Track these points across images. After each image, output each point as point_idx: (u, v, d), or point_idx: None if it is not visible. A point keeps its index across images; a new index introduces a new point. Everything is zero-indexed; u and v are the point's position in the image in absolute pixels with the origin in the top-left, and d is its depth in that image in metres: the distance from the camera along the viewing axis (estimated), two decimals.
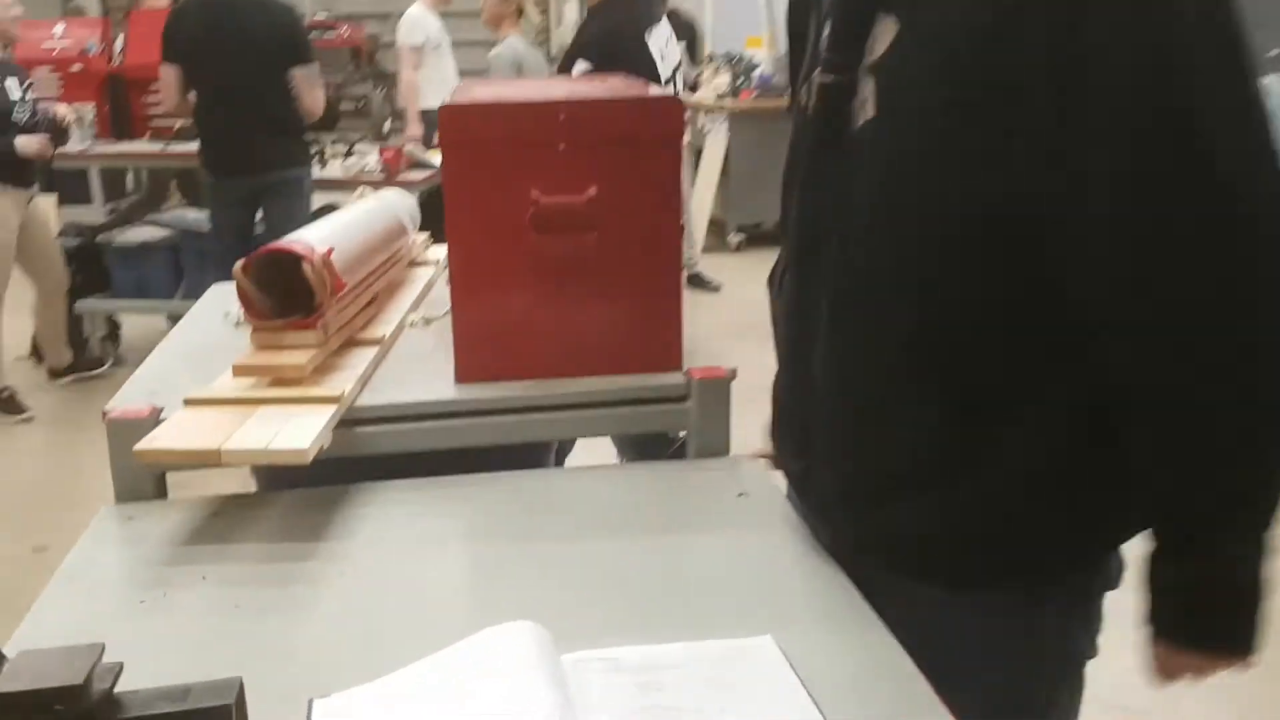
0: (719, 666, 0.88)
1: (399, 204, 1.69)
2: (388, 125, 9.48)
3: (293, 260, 1.24)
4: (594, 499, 1.21)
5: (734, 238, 6.28)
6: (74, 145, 4.57)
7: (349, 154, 4.77)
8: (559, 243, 1.23)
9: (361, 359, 1.32)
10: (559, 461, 1.65)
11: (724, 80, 6.58)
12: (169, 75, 3.91)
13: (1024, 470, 0.98)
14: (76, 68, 5.20)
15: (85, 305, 4.49)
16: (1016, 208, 0.92)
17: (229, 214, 4.00)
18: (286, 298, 1.27)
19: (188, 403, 1.18)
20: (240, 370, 1.21)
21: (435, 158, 4.03)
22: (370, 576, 1.05)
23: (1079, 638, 1.06)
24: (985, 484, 0.98)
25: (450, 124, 1.23)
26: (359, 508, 1.19)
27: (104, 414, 1.21)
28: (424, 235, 1.78)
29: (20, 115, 3.92)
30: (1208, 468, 0.92)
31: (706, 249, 5.93)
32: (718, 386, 1.30)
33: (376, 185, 1.93)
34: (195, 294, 1.84)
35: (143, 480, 1.19)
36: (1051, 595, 1.03)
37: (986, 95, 0.90)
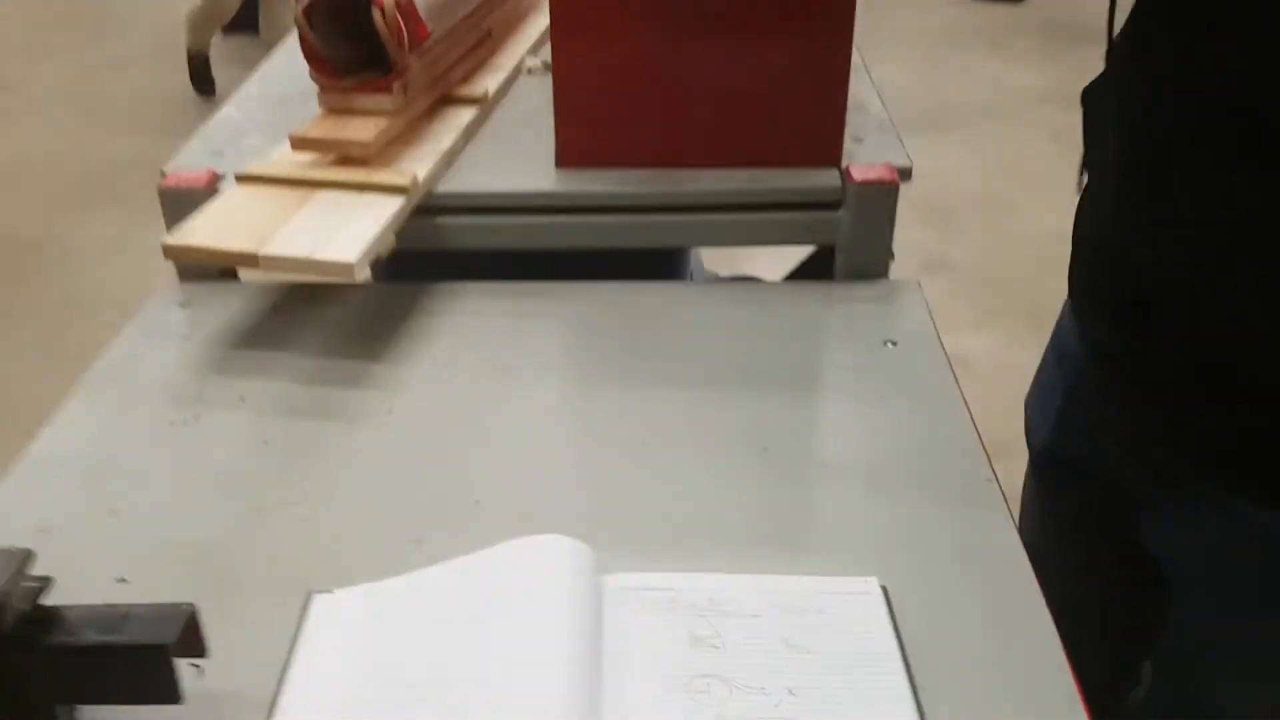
0: (798, 618, 0.68)
1: None
2: None
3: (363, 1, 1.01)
4: (703, 330, 1.00)
5: None
6: None
7: None
8: None
9: (453, 124, 1.10)
10: None
11: None
12: None
13: None
14: None
15: None
16: None
17: None
18: (363, 46, 1.05)
19: (239, 179, 1.01)
20: (298, 144, 1.01)
21: None
22: (418, 423, 0.88)
23: None
24: None
25: None
26: (434, 317, 1.01)
27: (161, 175, 1.06)
28: None
29: None
30: None
31: None
32: (881, 194, 1.03)
33: None
34: None
35: None
36: None
37: None
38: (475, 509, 0.80)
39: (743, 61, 1.00)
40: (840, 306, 1.03)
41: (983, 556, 0.75)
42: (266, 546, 0.77)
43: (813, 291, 1.06)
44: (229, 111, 1.21)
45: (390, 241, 0.95)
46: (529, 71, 1.27)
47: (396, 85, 1.03)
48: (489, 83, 1.19)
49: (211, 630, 0.67)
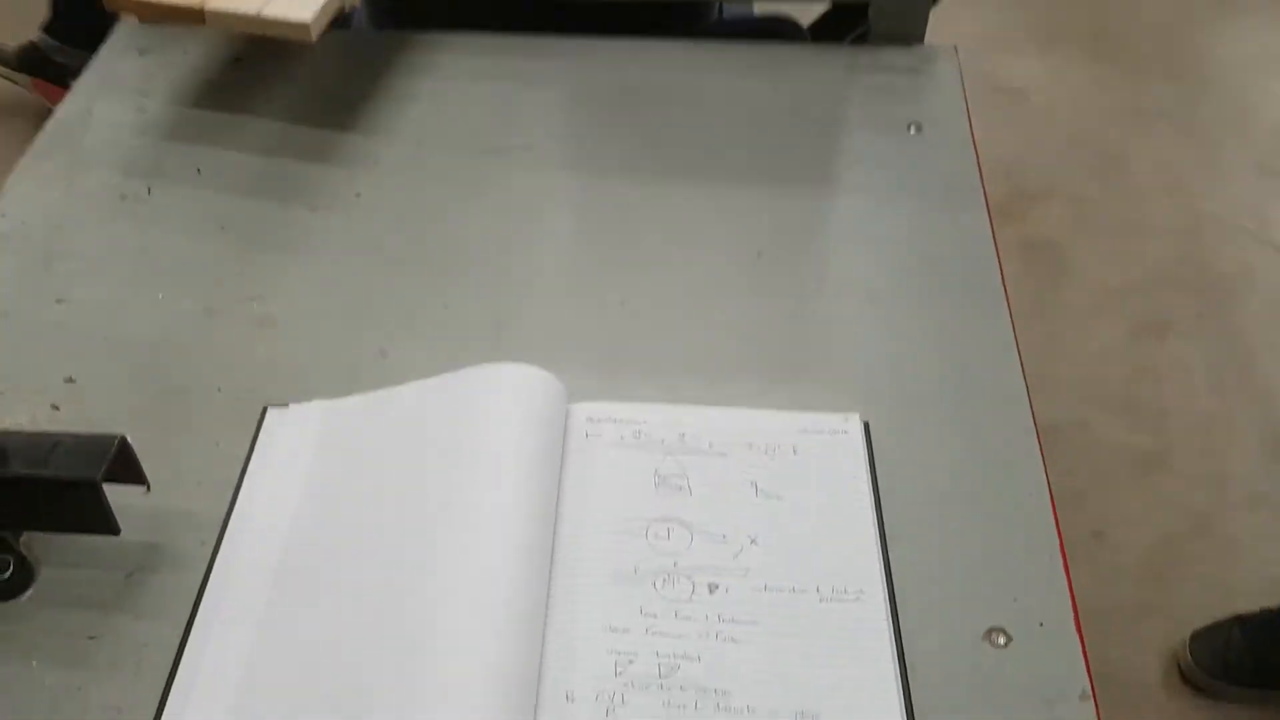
0: (769, 460, 0.64)
1: None
2: None
3: None
4: (710, 103, 0.90)
5: None
6: None
7: None
8: None
9: None
10: None
11: None
12: None
13: None
14: None
15: None
16: None
17: None
18: None
19: None
20: None
21: None
22: (387, 211, 0.81)
23: None
24: None
25: None
26: (415, 77, 0.92)
27: None
28: None
29: None
30: None
31: None
32: None
33: None
34: None
35: None
36: None
37: None
38: (444, 315, 0.75)
39: None
40: (865, 78, 0.93)
41: (981, 389, 0.69)
42: (220, 351, 0.72)
43: (838, 57, 0.95)
44: None
45: None
46: None
47: None
48: None
49: (160, 444, 0.65)
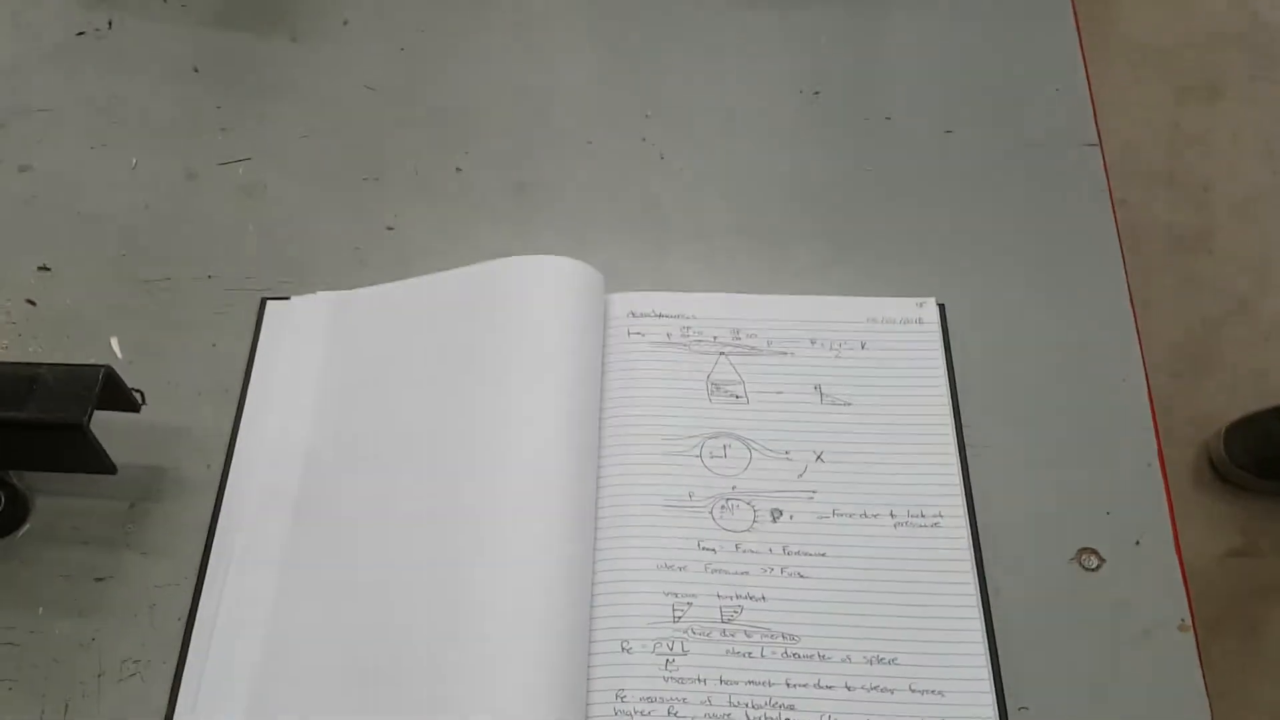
0: (835, 358, 0.57)
1: None
2: None
3: None
4: None
5: None
6: None
7: None
8: None
9: None
10: None
11: None
12: None
13: None
14: None
15: None
16: None
17: None
18: None
19: None
20: None
21: None
22: (382, 41, 0.70)
23: None
24: None
25: None
26: None
27: None
28: None
29: None
30: None
31: None
32: None
33: None
34: None
35: None
36: None
37: None
38: (457, 178, 0.65)
39: None
40: None
41: (1072, 261, 0.61)
42: (206, 227, 0.64)
43: None
44: None
45: None
46: None
47: None
48: None
49: (150, 347, 0.59)
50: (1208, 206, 1.71)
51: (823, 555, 0.52)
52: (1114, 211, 0.63)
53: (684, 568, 0.51)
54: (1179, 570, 0.53)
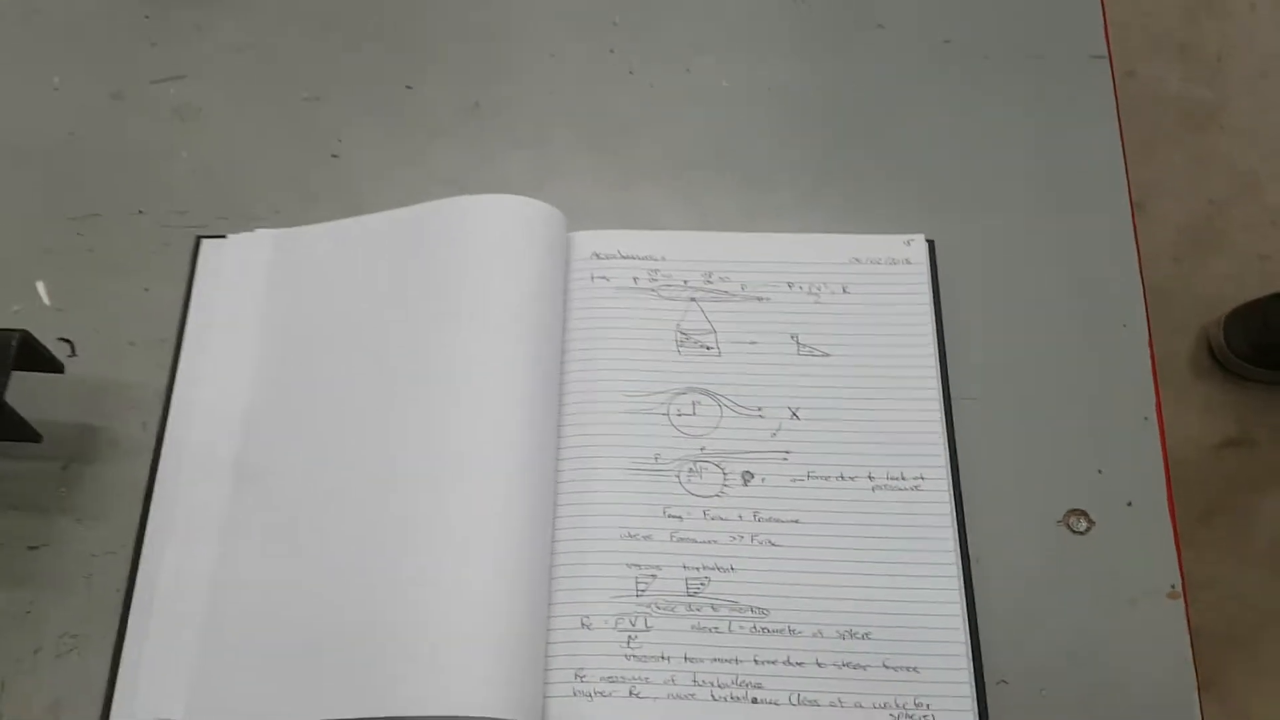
0: (814, 303, 0.53)
1: None
2: None
3: None
4: None
5: None
6: None
7: None
8: None
9: None
10: None
11: None
12: None
13: None
14: None
15: None
16: None
17: None
18: None
19: None
20: None
21: None
22: None
23: None
24: None
25: None
26: None
27: None
28: None
29: None
30: None
31: None
32: None
33: None
34: None
35: None
36: None
37: None
38: (407, 97, 0.60)
39: None
40: None
41: (1075, 190, 0.57)
42: (135, 156, 0.59)
43: None
44: None
45: None
46: None
47: None
48: None
49: (79, 292, 0.55)
50: (1220, 78, 1.63)
51: (795, 522, 0.49)
52: (1121, 136, 0.57)
53: (648, 536, 0.48)
54: (1172, 533, 0.50)
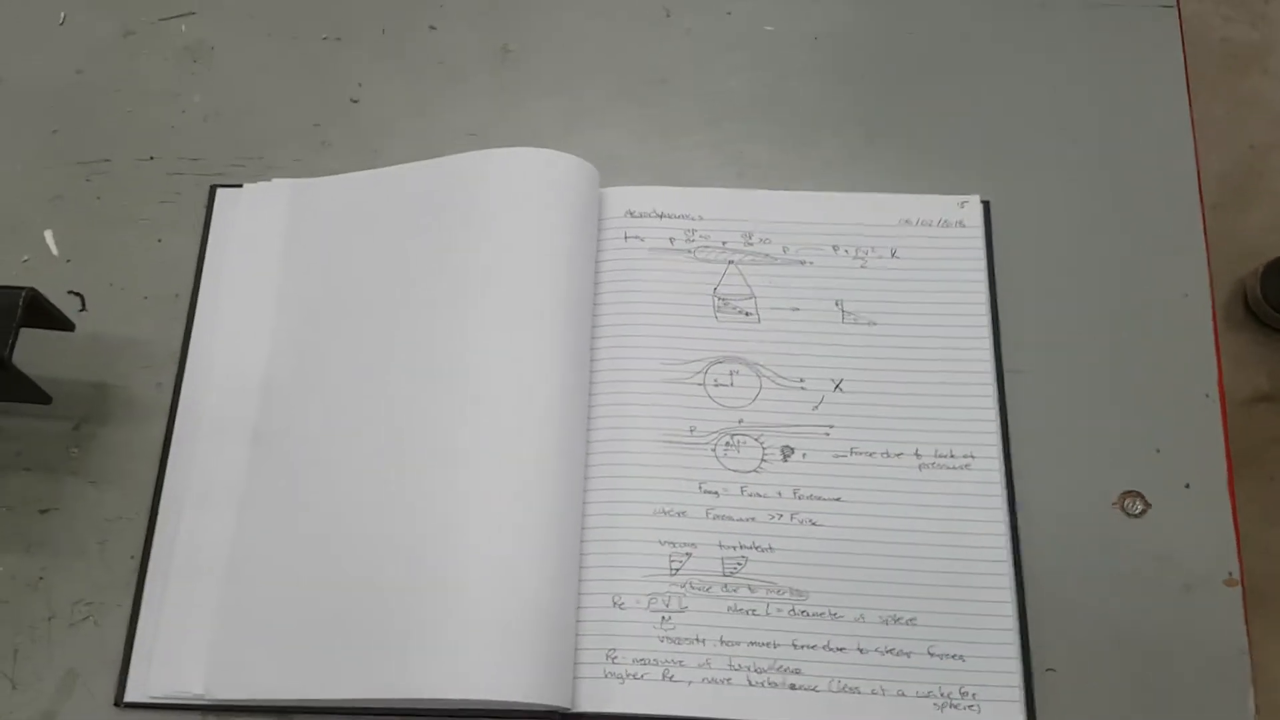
0: (861, 268, 0.50)
1: None
2: None
3: None
4: None
5: None
6: None
7: None
8: None
9: None
10: None
11: None
12: None
13: None
14: None
15: None
16: None
17: None
18: None
19: None
20: None
21: None
22: None
23: None
24: None
25: None
26: None
27: None
28: None
29: None
30: None
31: None
32: None
33: None
34: None
35: None
36: None
37: None
38: (431, 40, 0.57)
39: None
40: None
41: (1139, 155, 0.53)
42: (145, 97, 0.56)
43: None
44: None
45: None
46: None
47: None
48: None
49: (89, 244, 0.52)
50: (1267, 19, 1.57)
51: (838, 500, 0.47)
52: (1189, 93, 0.54)
53: (683, 513, 0.46)
54: (1231, 517, 0.48)
